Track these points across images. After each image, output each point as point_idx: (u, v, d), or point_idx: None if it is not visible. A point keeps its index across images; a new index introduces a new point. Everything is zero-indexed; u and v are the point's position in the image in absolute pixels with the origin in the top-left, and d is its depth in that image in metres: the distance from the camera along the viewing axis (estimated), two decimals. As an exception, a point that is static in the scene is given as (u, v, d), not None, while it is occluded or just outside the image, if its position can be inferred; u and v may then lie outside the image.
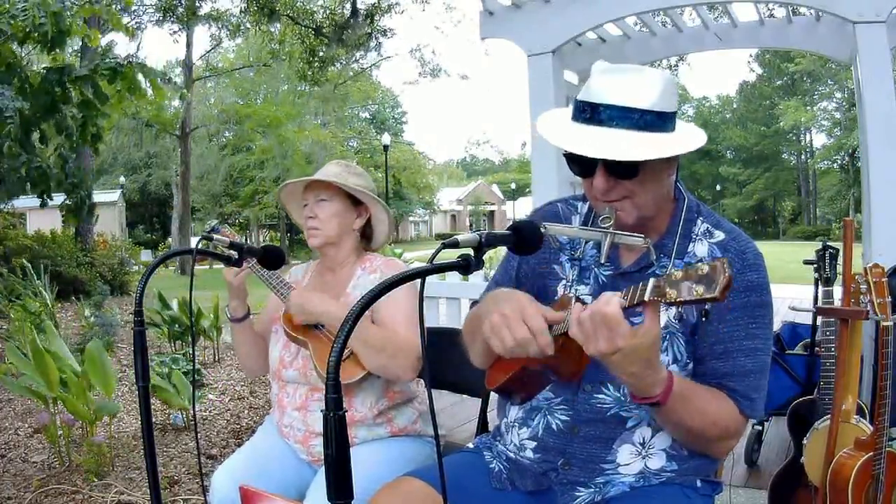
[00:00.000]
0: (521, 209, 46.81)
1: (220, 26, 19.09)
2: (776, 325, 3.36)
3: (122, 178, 33.43)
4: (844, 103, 41.23)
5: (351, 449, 0.89)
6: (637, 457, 1.34)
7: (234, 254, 1.81)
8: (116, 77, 5.02)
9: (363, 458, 1.67)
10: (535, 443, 1.40)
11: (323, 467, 1.72)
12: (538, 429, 1.40)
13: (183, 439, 3.67)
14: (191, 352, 4.27)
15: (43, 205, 5.42)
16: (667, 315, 1.30)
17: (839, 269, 2.38)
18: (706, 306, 1.25)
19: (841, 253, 2.31)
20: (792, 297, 5.92)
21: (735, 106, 54.03)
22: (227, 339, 5.92)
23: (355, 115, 44.16)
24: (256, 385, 4.99)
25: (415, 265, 1.15)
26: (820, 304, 2.49)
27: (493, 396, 1.78)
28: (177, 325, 5.81)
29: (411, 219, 52.14)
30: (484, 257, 1.05)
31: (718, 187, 52.27)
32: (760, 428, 3.04)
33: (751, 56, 48.24)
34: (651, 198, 1.29)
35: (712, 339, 1.29)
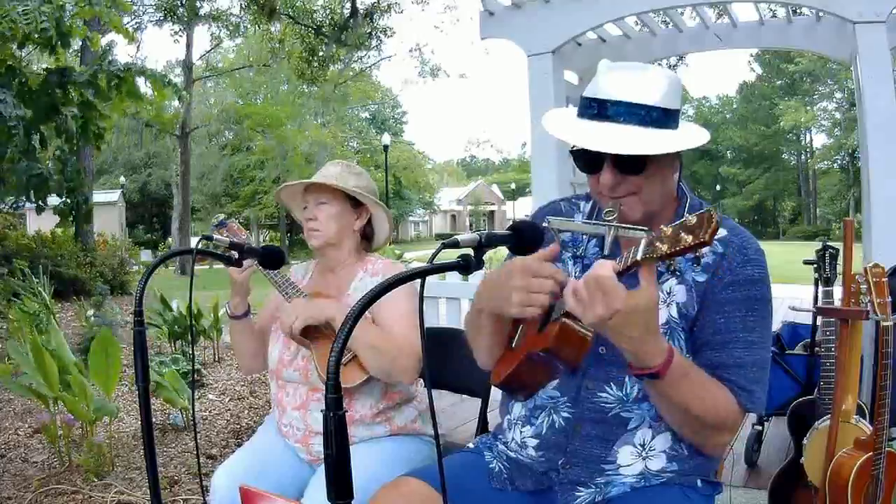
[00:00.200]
0: (521, 209, 46.73)
1: (220, 26, 19.13)
2: (776, 326, 3.36)
3: (122, 178, 33.48)
4: (844, 103, 41.22)
5: (350, 448, 0.89)
6: (637, 458, 1.34)
7: (235, 254, 1.81)
8: (120, 83, 5.04)
9: (362, 457, 1.67)
10: (538, 440, 1.40)
11: (321, 466, 1.73)
12: (542, 427, 1.40)
13: (183, 439, 3.67)
14: (191, 352, 4.27)
15: (39, 210, 5.42)
16: (668, 311, 1.30)
17: (839, 269, 2.38)
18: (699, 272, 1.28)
19: (841, 253, 2.31)
20: (792, 297, 5.91)
21: (735, 106, 54.06)
22: (227, 339, 5.91)
23: (355, 115, 44.12)
24: (256, 385, 4.98)
25: (414, 265, 1.15)
26: (820, 304, 2.49)
27: (493, 397, 1.78)
28: (177, 326, 5.81)
29: (411, 219, 52.16)
30: (484, 257, 1.05)
31: (718, 187, 52.27)
32: (760, 428, 3.05)
33: (751, 56, 48.38)
34: (656, 194, 1.30)
35: (710, 330, 1.29)
